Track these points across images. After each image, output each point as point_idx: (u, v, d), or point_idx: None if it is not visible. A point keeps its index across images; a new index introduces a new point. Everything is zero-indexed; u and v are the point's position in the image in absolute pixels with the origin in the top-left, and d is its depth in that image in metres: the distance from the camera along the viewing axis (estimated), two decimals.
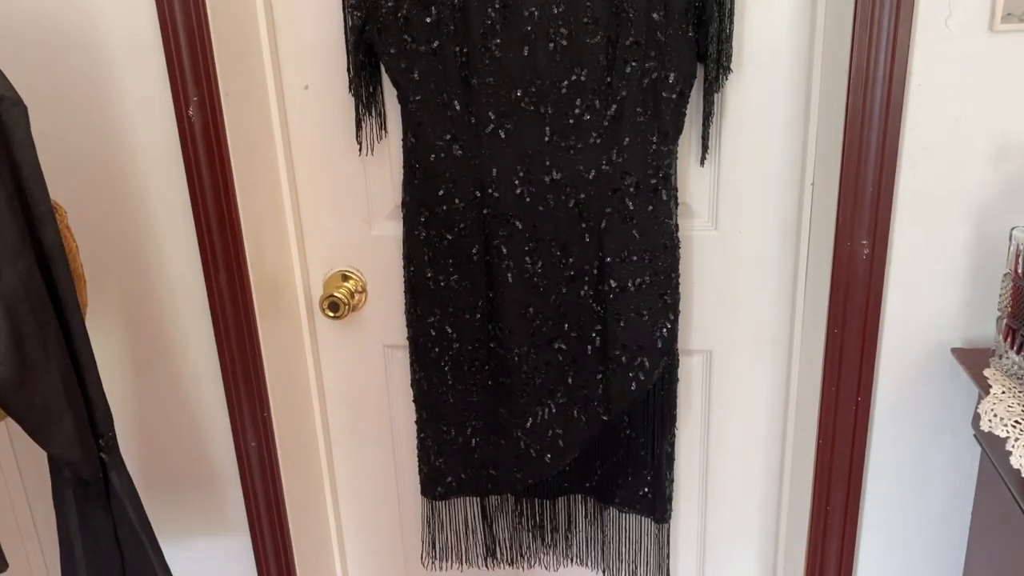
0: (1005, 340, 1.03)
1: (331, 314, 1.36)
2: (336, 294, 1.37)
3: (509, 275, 1.26)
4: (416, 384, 1.39)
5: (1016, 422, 0.95)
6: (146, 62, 1.14)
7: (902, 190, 1.08)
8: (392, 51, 1.20)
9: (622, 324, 1.27)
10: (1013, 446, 0.93)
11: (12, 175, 0.87)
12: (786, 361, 1.37)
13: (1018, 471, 0.91)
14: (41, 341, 0.88)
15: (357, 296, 1.41)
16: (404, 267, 1.34)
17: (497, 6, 1.16)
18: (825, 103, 1.18)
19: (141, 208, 1.22)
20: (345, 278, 1.41)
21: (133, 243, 1.25)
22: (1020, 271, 0.99)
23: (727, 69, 1.19)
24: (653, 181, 1.21)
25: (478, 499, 1.48)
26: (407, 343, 1.37)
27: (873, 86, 1.03)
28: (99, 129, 1.19)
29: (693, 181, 1.30)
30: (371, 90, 1.28)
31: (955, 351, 1.13)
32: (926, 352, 1.16)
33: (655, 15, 1.15)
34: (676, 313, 1.29)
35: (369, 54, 1.24)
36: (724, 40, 1.17)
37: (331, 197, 1.38)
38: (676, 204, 1.26)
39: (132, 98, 1.16)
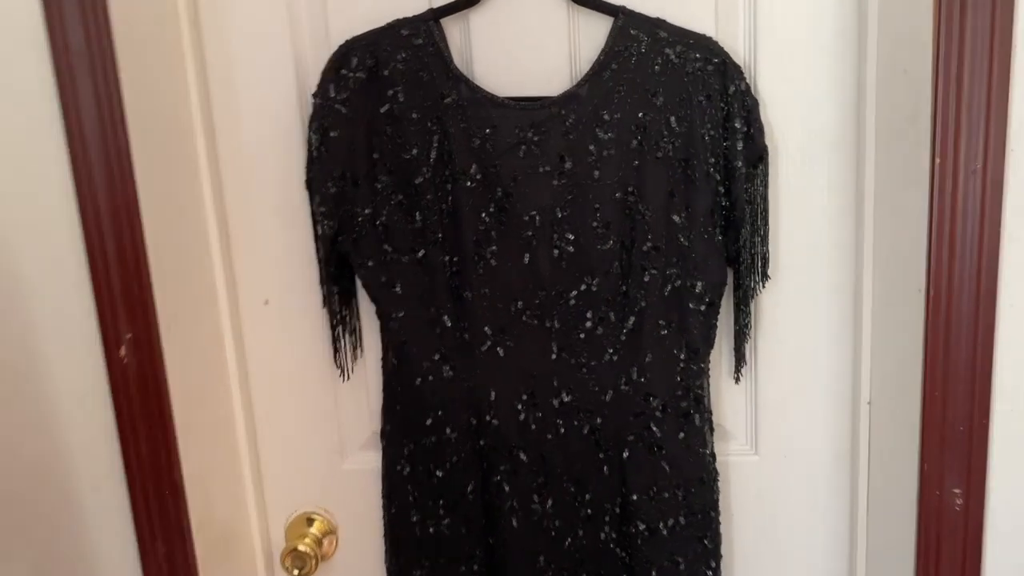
0: None
1: (296, 572, 1.11)
2: (300, 547, 1.12)
3: (513, 518, 1.05)
4: None
5: None
6: (68, 293, 0.93)
7: (998, 428, 0.90)
8: (370, 263, 1.03)
9: (654, 574, 1.05)
10: None
11: None
12: None
13: None
14: None
15: (326, 541, 1.17)
16: (384, 508, 1.11)
17: (492, 210, 1.00)
18: (881, 313, 1.01)
19: (57, 471, 0.98)
20: (310, 521, 1.17)
21: (47, 515, 1.00)
22: None
23: (765, 276, 1.03)
24: (684, 404, 1.03)
25: None
26: None
27: (958, 309, 0.86)
28: (6, 380, 0.96)
29: (726, 398, 1.11)
30: (346, 305, 1.09)
31: None
32: None
33: (676, 217, 1.00)
34: (718, 559, 1.08)
35: (342, 265, 1.06)
36: (759, 243, 1.01)
37: (296, 427, 1.16)
38: (712, 430, 1.07)
39: (50, 338, 0.94)
